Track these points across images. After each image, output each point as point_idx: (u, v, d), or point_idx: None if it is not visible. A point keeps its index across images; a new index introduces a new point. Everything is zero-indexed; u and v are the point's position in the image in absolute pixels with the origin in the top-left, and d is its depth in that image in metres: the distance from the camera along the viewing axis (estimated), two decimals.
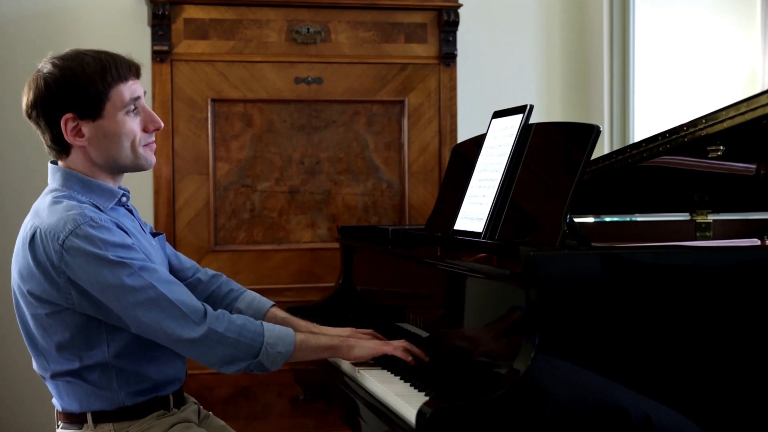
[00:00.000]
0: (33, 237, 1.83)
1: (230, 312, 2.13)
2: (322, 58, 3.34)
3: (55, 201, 1.87)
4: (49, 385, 1.95)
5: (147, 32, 3.38)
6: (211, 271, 2.24)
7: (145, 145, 1.94)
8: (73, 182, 1.90)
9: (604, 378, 1.57)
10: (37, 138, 3.53)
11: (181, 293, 1.84)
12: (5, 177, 3.53)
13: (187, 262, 2.22)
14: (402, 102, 3.40)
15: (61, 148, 1.91)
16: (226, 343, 1.83)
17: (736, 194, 2.64)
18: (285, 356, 1.89)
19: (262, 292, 3.23)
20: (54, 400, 1.96)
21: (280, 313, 2.21)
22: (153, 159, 1.97)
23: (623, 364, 1.59)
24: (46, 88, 1.87)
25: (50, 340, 1.87)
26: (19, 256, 1.88)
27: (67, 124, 1.87)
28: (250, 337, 1.85)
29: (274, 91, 3.32)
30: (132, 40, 3.51)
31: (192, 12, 3.25)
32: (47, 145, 1.94)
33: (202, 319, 1.82)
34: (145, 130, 1.93)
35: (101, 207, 1.90)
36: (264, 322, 1.90)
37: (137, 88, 1.92)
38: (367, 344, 1.98)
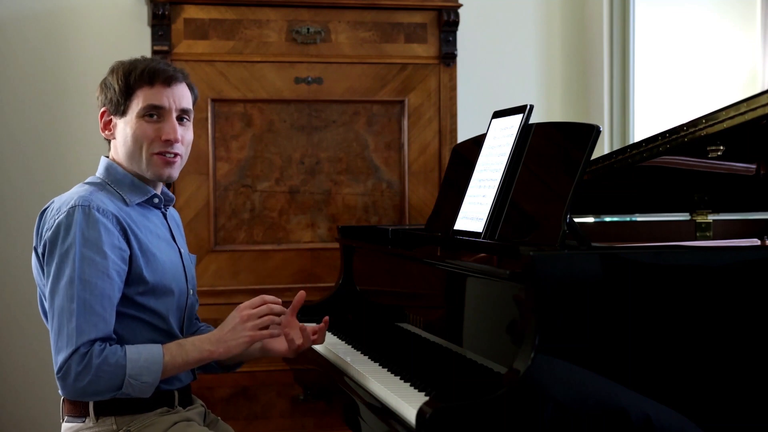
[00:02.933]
0: (47, 208, 1.96)
1: (192, 329, 2.18)
2: (322, 58, 3.34)
3: (83, 184, 2.01)
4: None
5: (147, 32, 3.39)
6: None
7: (156, 154, 1.98)
8: (110, 173, 2.02)
9: (604, 378, 1.57)
10: (37, 138, 3.56)
11: (87, 321, 1.83)
12: (5, 177, 3.53)
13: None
14: (402, 102, 3.40)
15: (105, 138, 2.06)
16: (81, 381, 1.81)
17: (736, 194, 2.64)
18: (153, 384, 1.87)
19: (262, 291, 3.24)
20: (60, 390, 1.96)
21: None
22: (165, 171, 2.00)
23: (623, 364, 1.59)
24: (100, 84, 2.03)
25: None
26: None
27: (102, 117, 2.03)
28: (110, 371, 1.81)
29: (274, 91, 3.32)
30: (132, 40, 3.51)
31: (192, 12, 3.25)
32: None
33: (76, 351, 1.80)
34: (160, 138, 1.97)
35: (128, 201, 1.98)
36: (129, 352, 1.85)
37: (163, 97, 1.97)
38: (240, 339, 1.91)
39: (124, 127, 1.98)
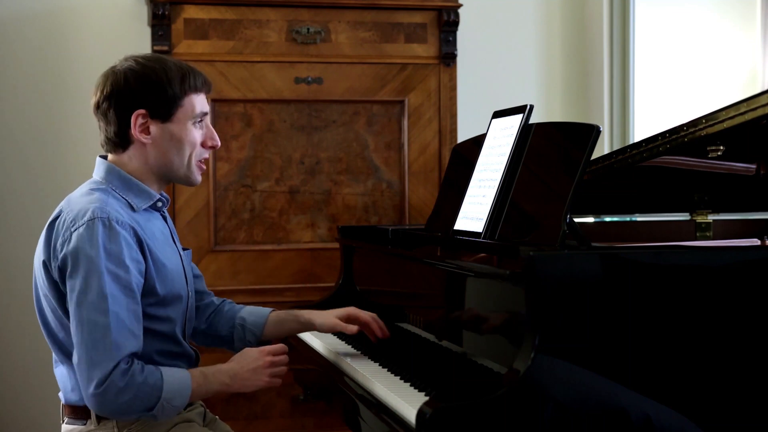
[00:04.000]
0: (56, 218, 1.88)
1: (234, 321, 2.19)
2: (322, 58, 3.34)
3: (90, 191, 1.92)
4: (57, 375, 1.96)
5: (147, 32, 3.39)
6: (221, 299, 2.28)
7: (199, 161, 2.00)
8: (114, 177, 1.95)
9: (604, 378, 1.57)
10: (37, 139, 3.55)
11: (122, 335, 1.80)
12: (5, 177, 3.53)
13: (203, 286, 2.23)
14: (402, 102, 3.40)
15: (120, 141, 1.94)
16: (122, 398, 1.78)
17: (736, 194, 2.64)
18: (180, 408, 1.88)
19: (262, 292, 3.28)
20: (60, 394, 1.96)
21: (282, 312, 2.24)
22: (199, 178, 2.02)
23: (623, 364, 1.59)
24: (125, 82, 1.91)
25: (59, 324, 1.89)
26: (41, 239, 1.92)
27: (137, 119, 1.91)
28: (148, 391, 1.80)
29: (274, 91, 3.32)
30: (132, 40, 3.51)
31: (192, 12, 3.25)
32: (107, 137, 1.96)
33: (116, 366, 1.77)
34: (203, 145, 1.99)
35: (135, 206, 1.93)
36: (165, 374, 1.84)
37: (206, 104, 1.99)
38: (257, 382, 1.94)
39: (170, 132, 1.93)
